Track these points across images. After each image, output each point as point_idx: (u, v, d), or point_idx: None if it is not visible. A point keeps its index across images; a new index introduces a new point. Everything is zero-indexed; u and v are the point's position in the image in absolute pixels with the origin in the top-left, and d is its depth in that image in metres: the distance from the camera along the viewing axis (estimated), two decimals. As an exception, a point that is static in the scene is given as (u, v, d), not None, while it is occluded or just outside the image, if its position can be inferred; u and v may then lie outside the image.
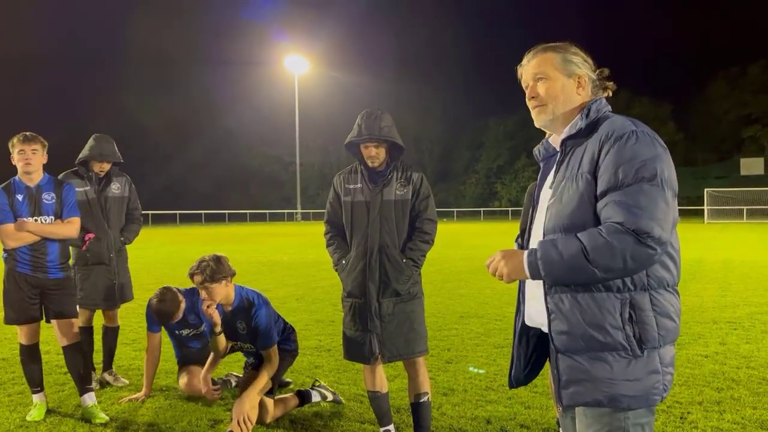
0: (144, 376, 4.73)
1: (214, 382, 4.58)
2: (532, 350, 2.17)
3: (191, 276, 3.99)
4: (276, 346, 4.19)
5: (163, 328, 4.85)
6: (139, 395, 4.59)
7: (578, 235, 1.81)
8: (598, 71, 2.10)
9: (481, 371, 4.91)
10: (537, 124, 2.14)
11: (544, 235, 1.96)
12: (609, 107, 2.06)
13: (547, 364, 2.19)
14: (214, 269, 3.94)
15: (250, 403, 3.88)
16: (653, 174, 1.78)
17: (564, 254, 1.80)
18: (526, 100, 2.12)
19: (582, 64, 2.06)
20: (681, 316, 1.98)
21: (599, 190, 1.84)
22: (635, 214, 1.74)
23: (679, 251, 1.93)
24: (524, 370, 2.20)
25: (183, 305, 4.64)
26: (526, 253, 1.89)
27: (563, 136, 2.03)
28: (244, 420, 3.77)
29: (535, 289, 2.04)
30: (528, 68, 2.11)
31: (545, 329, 2.00)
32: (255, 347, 4.26)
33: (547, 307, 1.95)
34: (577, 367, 1.89)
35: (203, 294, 3.98)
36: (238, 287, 4.17)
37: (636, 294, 1.84)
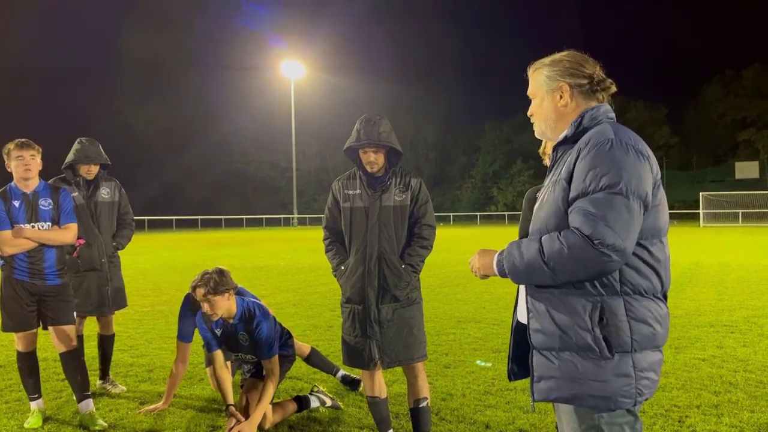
0: (167, 385, 4.66)
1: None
2: (524, 346, 2.20)
3: (194, 288, 3.98)
4: (277, 357, 4.19)
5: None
6: (158, 406, 4.54)
7: (541, 238, 1.90)
8: (590, 75, 2.08)
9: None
10: (537, 136, 2.29)
11: None
12: (610, 114, 2.07)
13: None
14: (218, 282, 3.94)
15: (256, 422, 3.93)
16: (617, 182, 1.81)
17: (525, 256, 1.91)
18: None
19: (567, 73, 2.08)
20: (678, 320, 2.01)
21: (570, 196, 1.90)
22: (593, 220, 1.79)
23: (663, 260, 1.95)
24: (519, 364, 2.26)
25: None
26: (498, 252, 2.04)
27: (554, 143, 2.11)
28: None
29: (522, 289, 2.14)
30: (529, 86, 2.22)
31: (527, 318, 2.10)
32: (256, 357, 4.26)
33: (527, 306, 2.05)
34: (547, 365, 1.97)
35: (205, 307, 3.97)
36: (239, 299, 4.17)
37: (608, 298, 1.89)
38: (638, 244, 1.88)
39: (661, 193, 1.95)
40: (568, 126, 2.07)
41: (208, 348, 4.28)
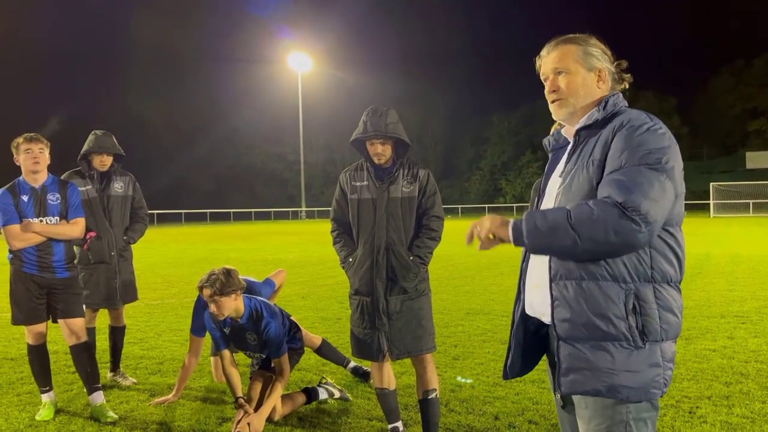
0: (178, 378, 4.69)
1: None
2: (529, 341, 2.14)
3: (200, 289, 3.98)
4: (287, 355, 4.19)
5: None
6: (168, 398, 4.56)
7: (567, 206, 1.83)
8: (616, 63, 2.09)
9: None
10: (556, 117, 2.13)
11: None
12: (625, 102, 2.06)
13: (545, 357, 2.18)
14: (224, 283, 3.93)
15: (262, 420, 3.94)
16: (656, 160, 1.79)
17: (549, 218, 1.80)
18: (546, 92, 2.11)
19: (602, 57, 2.06)
20: (688, 311, 1.99)
21: (605, 173, 1.85)
22: (626, 188, 1.74)
23: (683, 249, 1.93)
24: (521, 361, 2.16)
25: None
26: (513, 218, 1.89)
27: (578, 126, 2.03)
28: None
29: (538, 278, 2.02)
30: (547, 61, 2.09)
31: (545, 319, 2.00)
32: (265, 355, 4.27)
33: (552, 294, 1.94)
34: (577, 355, 1.89)
35: (212, 307, 3.97)
36: (246, 299, 4.16)
37: (641, 286, 1.84)
38: (667, 230, 1.86)
39: (683, 183, 1.93)
40: (593, 109, 2.01)
41: (217, 347, 4.29)
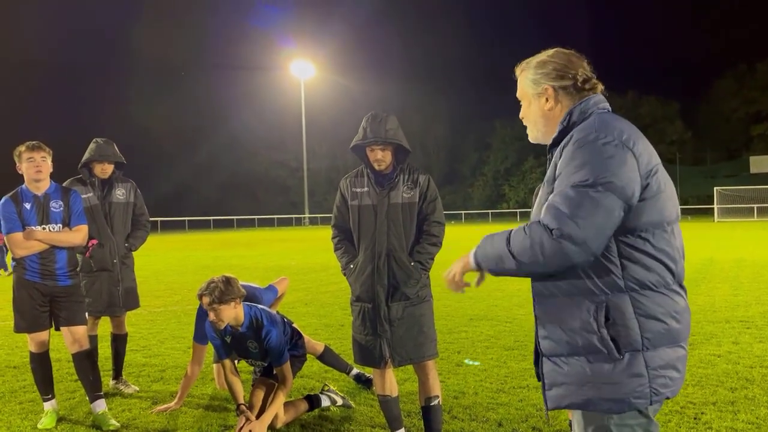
0: (181, 386, 4.68)
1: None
2: None
3: (200, 297, 3.97)
4: (289, 363, 4.18)
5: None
6: (170, 405, 4.55)
7: (511, 230, 1.91)
8: (571, 75, 2.03)
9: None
10: (531, 140, 2.25)
11: None
12: (601, 105, 2.02)
13: None
14: (223, 291, 3.91)
15: (264, 427, 3.93)
16: (587, 177, 1.78)
17: (495, 244, 1.92)
18: None
19: (547, 77, 2.05)
20: (693, 316, 1.96)
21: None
22: (554, 213, 1.79)
23: (671, 251, 1.88)
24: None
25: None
26: (475, 247, 2.03)
27: (549, 144, 2.09)
28: None
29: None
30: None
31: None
32: (267, 363, 4.26)
33: (534, 313, 2.01)
34: (557, 371, 1.93)
35: (211, 316, 3.96)
36: (246, 307, 4.15)
37: (613, 297, 1.83)
38: (639, 236, 1.83)
39: (661, 181, 1.87)
40: (558, 125, 2.04)
41: (218, 355, 4.28)
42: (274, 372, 4.22)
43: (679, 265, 1.91)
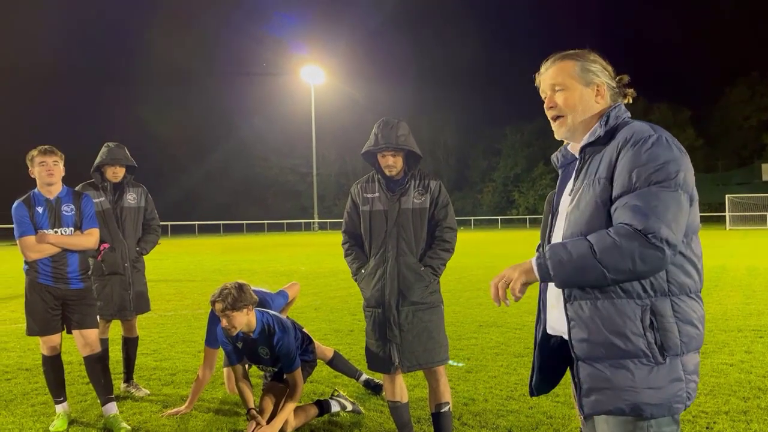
0: (192, 389, 4.70)
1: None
2: (553, 358, 2.14)
3: (213, 303, 3.98)
4: (300, 370, 4.18)
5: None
6: (181, 409, 4.56)
7: (588, 236, 1.81)
8: (617, 78, 2.08)
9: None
10: (557, 136, 2.13)
11: None
12: (628, 113, 2.04)
13: (568, 372, 2.16)
14: (236, 297, 3.91)
15: (276, 430, 3.93)
16: (666, 177, 1.77)
17: (573, 254, 1.79)
18: (545, 109, 2.11)
19: (601, 72, 2.05)
20: (705, 324, 1.95)
21: (614, 194, 1.84)
22: (643, 214, 1.74)
23: (701, 258, 1.91)
24: (545, 379, 2.17)
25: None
26: (535, 255, 1.91)
27: (582, 143, 2.01)
28: None
29: (554, 298, 2.02)
30: (546, 77, 2.10)
31: (567, 336, 1.97)
32: (278, 369, 4.26)
33: (567, 315, 1.92)
34: (598, 375, 1.87)
35: (224, 322, 3.98)
36: (258, 313, 4.16)
37: (657, 300, 1.82)
38: (683, 240, 1.83)
39: (696, 189, 1.91)
40: (595, 125, 1.99)
41: (230, 361, 4.29)
42: (285, 377, 4.23)
43: (702, 273, 1.93)
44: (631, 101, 2.10)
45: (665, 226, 1.73)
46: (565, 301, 1.93)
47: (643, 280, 1.81)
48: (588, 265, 1.77)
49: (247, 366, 4.47)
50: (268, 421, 4.02)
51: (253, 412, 4.07)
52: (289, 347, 4.09)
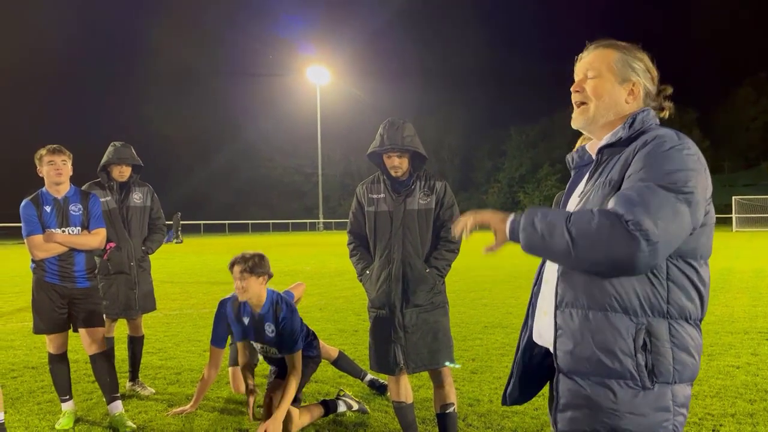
0: (197, 389, 4.71)
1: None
2: (534, 368, 2.02)
3: (232, 265, 4.04)
4: (300, 353, 4.20)
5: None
6: (186, 408, 4.57)
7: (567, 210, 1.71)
8: (661, 88, 1.95)
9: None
10: (574, 125, 1.99)
11: None
12: (657, 120, 1.89)
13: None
14: (256, 263, 4.01)
15: (280, 420, 3.95)
16: (674, 182, 1.61)
17: (548, 217, 1.66)
18: (571, 91, 1.97)
19: (642, 73, 1.90)
20: (711, 327, 1.90)
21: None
22: (631, 202, 1.58)
23: (707, 286, 1.77)
24: (522, 389, 2.05)
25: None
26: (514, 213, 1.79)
27: (602, 143, 1.88)
28: None
29: (547, 304, 1.89)
30: (584, 61, 1.96)
31: (553, 336, 1.85)
32: (280, 352, 4.25)
33: (555, 322, 1.80)
34: (578, 391, 1.74)
35: (238, 284, 4.02)
36: (269, 291, 4.20)
37: (653, 321, 1.68)
38: (688, 263, 1.70)
39: (712, 212, 1.75)
40: (618, 126, 1.85)
41: (237, 338, 4.31)
42: (287, 363, 4.22)
43: (706, 302, 1.79)
44: (666, 116, 1.95)
45: (649, 219, 1.55)
46: (556, 307, 1.80)
47: (640, 296, 1.68)
48: (556, 230, 1.62)
49: (254, 364, 4.46)
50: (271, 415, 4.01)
51: (252, 386, 4.15)
52: (294, 327, 4.11)
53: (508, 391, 2.06)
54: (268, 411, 4.13)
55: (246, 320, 4.20)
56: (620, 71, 1.89)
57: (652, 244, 1.55)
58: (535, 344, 1.99)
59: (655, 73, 1.93)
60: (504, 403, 2.08)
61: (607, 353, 1.69)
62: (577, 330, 1.74)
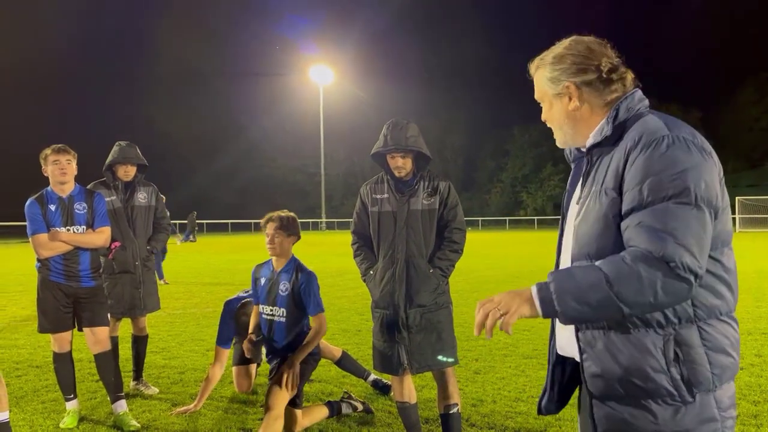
0: (201, 388, 4.74)
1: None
2: (566, 378, 1.93)
3: (267, 221, 4.10)
4: (323, 317, 4.14)
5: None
6: (190, 407, 4.60)
7: (598, 263, 1.55)
8: (595, 66, 1.75)
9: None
10: (558, 145, 1.94)
11: (572, 262, 1.73)
12: (645, 102, 1.77)
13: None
14: (290, 222, 4.13)
15: (296, 365, 3.97)
16: (684, 189, 1.51)
17: (583, 285, 1.52)
18: None
19: (569, 71, 1.77)
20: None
21: (624, 208, 1.59)
22: (661, 238, 1.48)
23: (734, 271, 1.67)
24: (558, 399, 1.96)
25: None
26: (536, 285, 1.59)
27: (588, 143, 1.78)
28: (290, 378, 3.91)
29: None
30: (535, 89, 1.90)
31: (578, 358, 1.75)
32: (286, 315, 4.13)
33: (579, 345, 1.70)
34: (615, 416, 1.63)
35: (269, 239, 4.08)
36: (294, 257, 4.24)
37: (681, 328, 1.57)
38: (711, 256, 1.59)
39: (725, 193, 1.64)
40: (602, 121, 1.74)
41: (256, 301, 4.32)
42: (309, 324, 4.22)
43: (736, 289, 1.68)
44: (626, 87, 1.78)
45: (687, 252, 1.47)
46: (577, 329, 1.70)
47: None
48: (602, 300, 1.50)
49: (257, 364, 4.44)
50: (282, 426, 3.97)
51: (252, 336, 4.17)
52: (312, 288, 4.13)
53: (543, 403, 1.96)
54: (271, 409, 4.11)
55: (263, 280, 4.23)
56: (553, 87, 1.81)
57: (699, 276, 1.51)
58: (565, 357, 1.90)
59: (592, 52, 1.76)
60: (540, 413, 2.00)
61: (637, 373, 1.58)
62: (602, 352, 1.64)
